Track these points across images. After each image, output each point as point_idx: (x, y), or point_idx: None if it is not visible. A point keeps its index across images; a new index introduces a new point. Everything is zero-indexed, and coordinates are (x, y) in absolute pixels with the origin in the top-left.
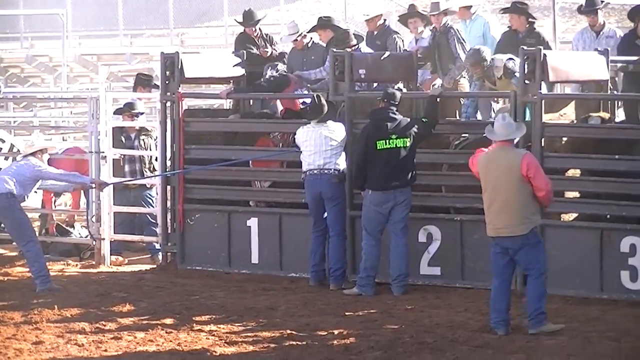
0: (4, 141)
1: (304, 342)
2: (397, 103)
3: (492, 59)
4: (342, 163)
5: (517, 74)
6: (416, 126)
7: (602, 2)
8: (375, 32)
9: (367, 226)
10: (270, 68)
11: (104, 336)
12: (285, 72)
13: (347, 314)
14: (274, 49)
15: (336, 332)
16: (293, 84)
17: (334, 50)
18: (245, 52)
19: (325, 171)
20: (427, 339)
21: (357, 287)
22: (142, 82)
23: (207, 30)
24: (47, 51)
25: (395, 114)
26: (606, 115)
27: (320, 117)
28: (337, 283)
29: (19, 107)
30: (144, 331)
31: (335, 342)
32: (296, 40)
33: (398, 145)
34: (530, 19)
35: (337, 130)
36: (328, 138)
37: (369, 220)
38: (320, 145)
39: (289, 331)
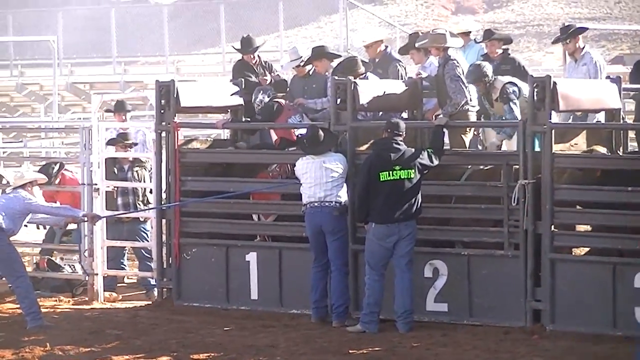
0: None
1: None
2: (401, 133)
3: (495, 78)
4: (343, 195)
5: (512, 102)
6: (421, 157)
7: (571, 30)
8: (377, 60)
9: (371, 261)
10: (261, 92)
11: None
12: (275, 96)
13: (350, 352)
14: (273, 77)
15: None
16: (286, 110)
17: (336, 78)
18: (243, 80)
19: (326, 204)
20: None
21: (361, 324)
22: (117, 108)
23: (203, 57)
24: (37, 79)
25: (399, 144)
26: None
27: (318, 149)
28: (340, 320)
29: (9, 138)
30: None
31: None
32: (298, 66)
33: (402, 177)
34: (503, 46)
35: (337, 162)
36: (329, 169)
37: (372, 255)
38: (321, 177)
39: None
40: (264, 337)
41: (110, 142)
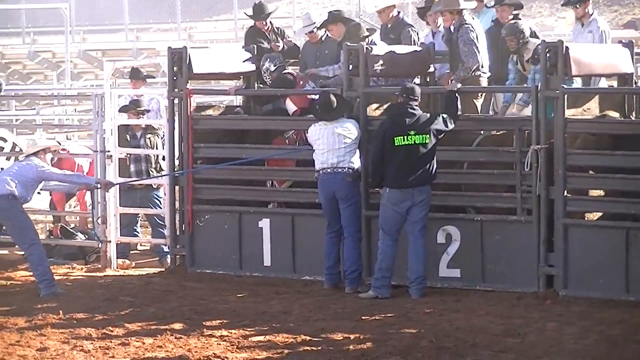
0: (5, 140)
1: (319, 348)
2: (416, 98)
3: (528, 39)
4: (356, 161)
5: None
6: (436, 122)
7: None
8: (389, 25)
9: (384, 225)
10: (268, 60)
11: (111, 342)
12: (283, 64)
13: (363, 318)
14: (286, 43)
15: (352, 336)
16: (298, 82)
17: (348, 44)
18: (255, 46)
19: (339, 170)
20: (446, 343)
21: (373, 289)
22: (133, 75)
23: (216, 24)
24: (50, 47)
25: (414, 109)
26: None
27: (330, 115)
28: (353, 286)
29: (21, 105)
30: (153, 337)
31: (351, 347)
32: (311, 32)
33: (417, 142)
34: (514, 11)
35: (350, 128)
36: (341, 136)
37: (386, 220)
38: (333, 143)
39: (303, 336)
40: (277, 304)
41: (122, 109)
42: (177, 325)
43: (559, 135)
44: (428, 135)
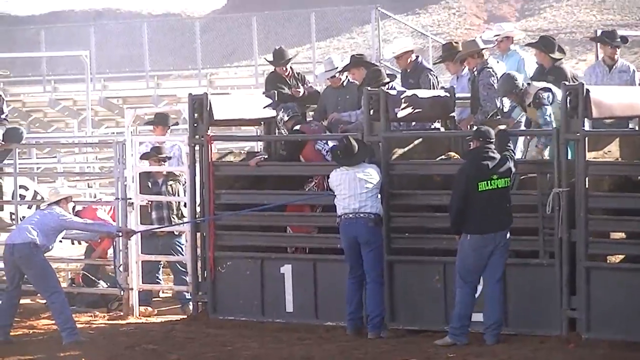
0: (27, 189)
1: None
2: (492, 140)
3: (529, 83)
4: (378, 206)
5: (545, 107)
6: (510, 163)
7: (621, 38)
8: (408, 70)
9: (464, 274)
10: (282, 110)
11: None
12: (297, 114)
13: None
14: (307, 89)
15: None
16: (310, 134)
17: (368, 89)
18: (276, 92)
19: (361, 215)
20: None
21: (451, 337)
22: (160, 121)
23: (236, 70)
24: (70, 94)
25: (493, 152)
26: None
27: (351, 160)
28: (376, 331)
29: (43, 153)
30: None
31: None
32: (333, 77)
33: (499, 186)
34: (551, 55)
35: (371, 173)
36: (363, 180)
37: (466, 267)
38: (355, 188)
39: None
40: (299, 350)
41: (144, 156)
42: None
43: (580, 178)
44: (509, 179)
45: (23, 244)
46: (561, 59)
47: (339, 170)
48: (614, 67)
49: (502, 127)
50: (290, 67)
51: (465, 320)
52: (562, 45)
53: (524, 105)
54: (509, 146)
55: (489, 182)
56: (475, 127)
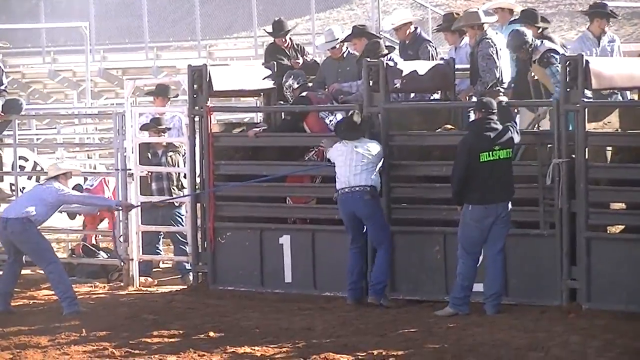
0: (27, 160)
1: None
2: (494, 111)
3: (541, 42)
4: (375, 179)
5: (555, 66)
6: (512, 135)
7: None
8: (407, 42)
9: (466, 244)
10: (292, 77)
11: (133, 359)
12: (306, 82)
13: (387, 333)
14: (306, 60)
15: (376, 352)
16: (315, 104)
17: (368, 60)
18: (275, 63)
19: (356, 189)
20: (470, 358)
21: (452, 306)
22: (161, 92)
23: (235, 41)
24: (70, 66)
25: (496, 123)
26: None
27: (352, 134)
28: (377, 296)
29: (42, 124)
30: (176, 354)
31: None
32: (334, 48)
33: (501, 157)
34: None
35: (371, 147)
36: (360, 154)
37: (468, 238)
38: (351, 161)
39: (326, 352)
40: (300, 320)
41: (143, 127)
42: (201, 343)
43: (580, 149)
44: (511, 149)
45: (16, 219)
46: (547, 27)
47: (340, 143)
48: (601, 38)
49: (504, 99)
50: (290, 39)
51: (467, 290)
52: (561, 17)
53: (530, 63)
54: (512, 117)
55: (490, 152)
56: (476, 98)
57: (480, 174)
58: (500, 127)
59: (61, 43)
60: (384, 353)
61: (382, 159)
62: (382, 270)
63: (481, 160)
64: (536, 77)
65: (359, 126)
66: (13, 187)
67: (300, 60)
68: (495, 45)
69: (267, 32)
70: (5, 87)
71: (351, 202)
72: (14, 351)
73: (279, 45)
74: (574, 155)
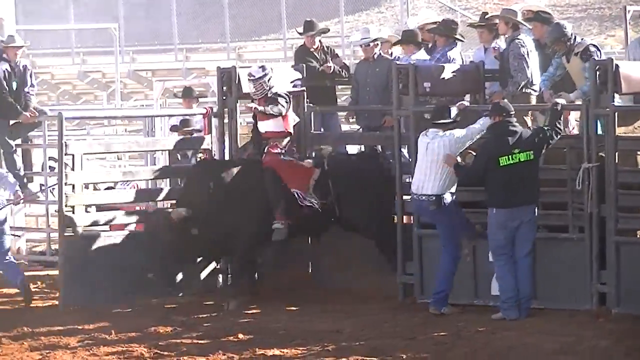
0: (56, 160)
1: None
2: (513, 114)
3: (582, 39)
4: (441, 185)
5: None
6: (538, 137)
7: None
8: (430, 45)
9: (494, 248)
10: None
11: None
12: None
13: (416, 336)
14: (336, 62)
15: (405, 356)
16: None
17: (397, 63)
18: (304, 65)
19: (423, 197)
20: None
21: (502, 312)
22: (185, 94)
23: (264, 43)
24: (99, 67)
25: (515, 126)
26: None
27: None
28: (438, 306)
29: (72, 125)
30: (205, 356)
31: None
32: (367, 46)
33: (521, 160)
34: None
35: (447, 144)
36: (431, 153)
37: (495, 242)
38: (423, 161)
39: (355, 356)
40: (329, 323)
41: (172, 129)
42: (229, 345)
43: (609, 153)
44: (532, 152)
45: None
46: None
47: (421, 135)
48: None
49: (561, 101)
50: (320, 41)
51: (508, 292)
52: (590, 21)
53: (569, 56)
54: (559, 122)
55: (510, 156)
56: (507, 99)
57: (501, 177)
58: (520, 129)
59: (90, 44)
60: (414, 356)
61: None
62: (445, 278)
63: (500, 165)
64: (567, 70)
65: (446, 117)
66: (43, 187)
67: (332, 65)
68: (526, 45)
69: (298, 32)
70: (31, 88)
71: (418, 208)
72: (43, 352)
73: (309, 48)
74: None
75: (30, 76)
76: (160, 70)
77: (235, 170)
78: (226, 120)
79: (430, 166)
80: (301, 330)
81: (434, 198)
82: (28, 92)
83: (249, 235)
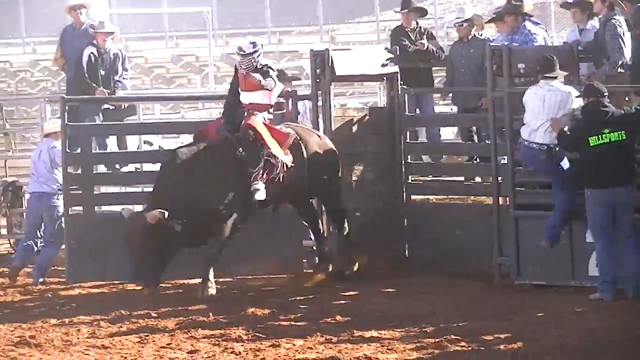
0: (151, 144)
1: (469, 348)
2: (606, 94)
3: None
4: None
5: None
6: (630, 118)
7: None
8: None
9: (593, 229)
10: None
11: (261, 344)
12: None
13: (512, 318)
14: (432, 44)
15: (502, 336)
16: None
17: (491, 44)
18: (398, 47)
19: (534, 145)
20: (596, 343)
21: (599, 292)
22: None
23: (357, 26)
24: (192, 50)
25: (606, 106)
26: None
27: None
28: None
29: (166, 109)
30: (303, 338)
31: (502, 347)
32: (460, 26)
33: (612, 139)
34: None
35: (562, 96)
36: (549, 103)
37: (593, 222)
38: (538, 112)
39: (452, 336)
40: (426, 305)
41: None
42: (327, 327)
43: None
44: (623, 132)
45: None
46: None
47: (534, 86)
48: None
49: None
50: (416, 22)
51: (606, 276)
52: None
53: None
54: None
55: (600, 136)
56: (589, 84)
57: (592, 158)
58: (612, 109)
59: (183, 28)
60: (510, 337)
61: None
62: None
63: (590, 145)
64: None
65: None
66: (138, 169)
67: (425, 43)
68: (622, 26)
69: (395, 11)
70: (122, 76)
71: (530, 156)
72: (142, 335)
73: (404, 28)
74: None
75: (122, 63)
76: None
77: (204, 152)
78: (320, 103)
79: (546, 116)
80: (398, 312)
81: (545, 147)
82: (118, 81)
83: (232, 215)
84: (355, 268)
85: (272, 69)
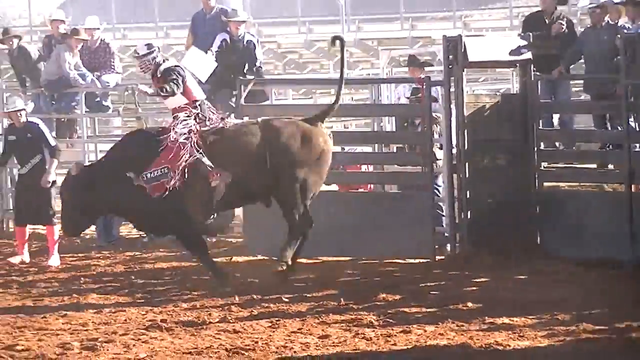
0: None
1: (601, 336)
2: None
3: None
4: None
5: None
6: None
7: None
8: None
9: None
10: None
11: (392, 329)
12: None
13: None
14: (569, 28)
15: (635, 324)
16: None
17: (625, 31)
18: (531, 34)
19: None
20: None
21: None
22: (411, 62)
23: (490, 12)
24: (325, 36)
25: None
26: None
27: None
28: None
29: (299, 94)
30: (434, 324)
31: (634, 335)
32: (593, 11)
33: None
34: None
35: None
36: None
37: None
38: None
39: (584, 324)
40: (557, 292)
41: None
42: (458, 313)
43: None
44: None
45: None
46: None
47: None
48: None
49: None
50: (555, 8)
51: None
52: None
53: None
54: None
55: None
56: None
57: None
58: None
59: (316, 13)
60: None
61: None
62: None
63: None
64: None
65: None
66: None
67: (564, 24)
68: None
69: None
70: (259, 65)
71: None
72: (273, 319)
73: (539, 14)
74: None
75: (254, 51)
76: (386, 39)
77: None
78: (452, 89)
79: None
80: (530, 299)
81: None
82: (259, 67)
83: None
84: (280, 269)
85: (170, 72)
